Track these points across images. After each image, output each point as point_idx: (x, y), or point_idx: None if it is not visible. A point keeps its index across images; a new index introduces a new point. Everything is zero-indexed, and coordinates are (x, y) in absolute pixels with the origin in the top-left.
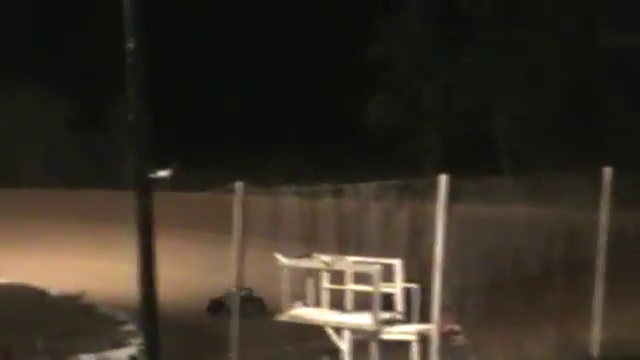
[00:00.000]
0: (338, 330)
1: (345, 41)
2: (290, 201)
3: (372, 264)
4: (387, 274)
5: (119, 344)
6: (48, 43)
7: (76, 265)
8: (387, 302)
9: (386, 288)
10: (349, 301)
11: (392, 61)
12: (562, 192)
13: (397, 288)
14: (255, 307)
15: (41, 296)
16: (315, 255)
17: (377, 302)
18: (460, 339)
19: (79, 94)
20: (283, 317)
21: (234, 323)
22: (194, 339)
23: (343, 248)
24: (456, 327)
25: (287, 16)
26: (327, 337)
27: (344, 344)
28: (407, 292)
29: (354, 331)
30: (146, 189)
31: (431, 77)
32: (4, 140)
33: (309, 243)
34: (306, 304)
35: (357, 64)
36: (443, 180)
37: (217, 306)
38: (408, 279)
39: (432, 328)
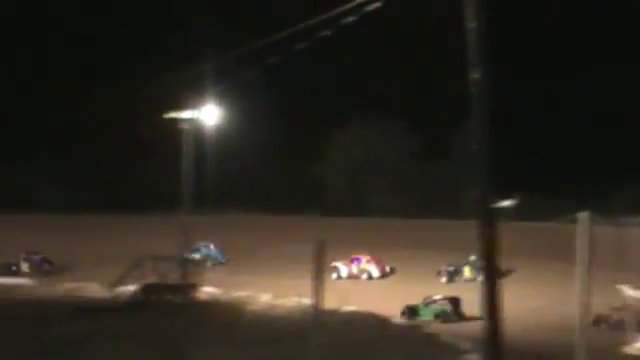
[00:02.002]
0: None
1: None
2: (636, 232)
3: None
4: None
5: None
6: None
7: (416, 293)
8: None
9: None
10: None
11: None
12: None
13: None
14: None
15: (385, 324)
16: None
17: None
18: None
19: (422, 125)
20: (630, 350)
21: None
22: None
23: None
24: None
25: None
26: None
27: None
28: None
29: None
30: (490, 219)
31: None
32: (352, 171)
33: None
34: None
35: None
36: None
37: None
38: None
39: None
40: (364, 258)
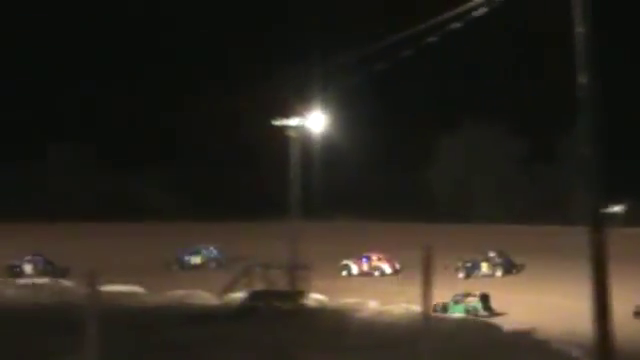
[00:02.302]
0: None
1: None
2: None
3: None
4: None
5: None
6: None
7: (526, 300)
8: None
9: None
10: None
11: None
12: None
13: None
14: None
15: (494, 331)
16: None
17: None
18: None
19: (529, 130)
20: None
21: None
22: None
23: None
24: None
25: None
26: None
27: None
28: None
29: None
30: (599, 225)
31: None
32: (459, 177)
33: None
34: None
35: None
36: None
37: None
38: None
39: None
40: (374, 256)
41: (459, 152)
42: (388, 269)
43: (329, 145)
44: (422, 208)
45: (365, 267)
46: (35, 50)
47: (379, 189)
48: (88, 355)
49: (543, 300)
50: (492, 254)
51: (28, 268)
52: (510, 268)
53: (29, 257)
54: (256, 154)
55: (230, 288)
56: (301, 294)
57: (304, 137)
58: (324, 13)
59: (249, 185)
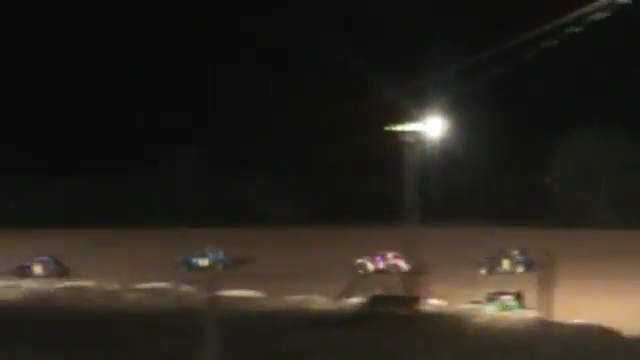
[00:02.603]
0: None
1: None
2: None
3: None
4: None
5: None
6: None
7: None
8: None
9: None
10: None
11: None
12: None
13: None
14: None
15: (614, 338)
16: None
17: None
18: None
19: None
20: None
21: None
22: None
23: None
24: None
25: None
26: None
27: None
28: None
29: None
30: None
31: None
32: (576, 182)
33: None
34: None
35: None
36: None
37: None
38: None
39: None
40: (390, 254)
41: (576, 157)
42: (405, 266)
43: (446, 150)
44: (541, 213)
45: (381, 265)
46: (146, 56)
47: (497, 194)
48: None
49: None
50: (515, 252)
51: (38, 269)
52: (531, 265)
53: (39, 258)
54: (372, 159)
55: (347, 293)
56: (418, 299)
57: (421, 142)
58: (441, 17)
59: (365, 191)
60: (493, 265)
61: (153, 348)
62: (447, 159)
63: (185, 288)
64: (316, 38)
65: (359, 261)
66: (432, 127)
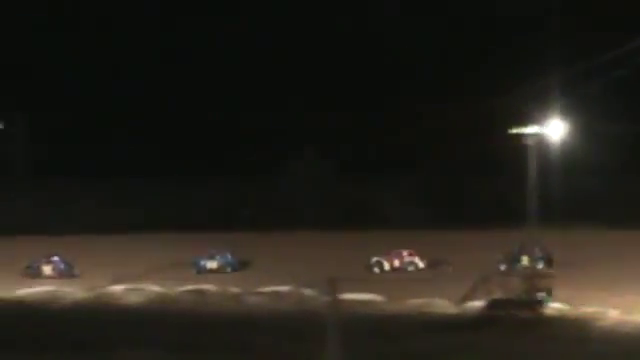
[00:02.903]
0: None
1: None
2: None
3: None
4: None
5: None
6: None
7: None
8: None
9: None
10: None
11: None
12: None
13: None
14: None
15: None
16: None
17: None
18: None
19: None
20: None
21: None
22: None
23: None
24: None
25: None
26: None
27: None
28: None
29: None
30: None
31: None
32: None
33: None
34: None
35: None
36: None
37: None
38: None
39: None
40: (404, 252)
41: None
42: (421, 264)
43: (568, 153)
44: None
45: (397, 263)
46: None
47: (620, 197)
48: None
49: None
50: (536, 249)
51: (47, 269)
52: (550, 262)
53: (47, 258)
54: (495, 163)
55: (469, 297)
56: (540, 303)
57: (543, 145)
58: (561, 20)
59: (488, 194)
60: (513, 262)
61: (277, 351)
62: (570, 162)
63: (307, 291)
64: (444, 40)
65: (375, 259)
66: (554, 130)
